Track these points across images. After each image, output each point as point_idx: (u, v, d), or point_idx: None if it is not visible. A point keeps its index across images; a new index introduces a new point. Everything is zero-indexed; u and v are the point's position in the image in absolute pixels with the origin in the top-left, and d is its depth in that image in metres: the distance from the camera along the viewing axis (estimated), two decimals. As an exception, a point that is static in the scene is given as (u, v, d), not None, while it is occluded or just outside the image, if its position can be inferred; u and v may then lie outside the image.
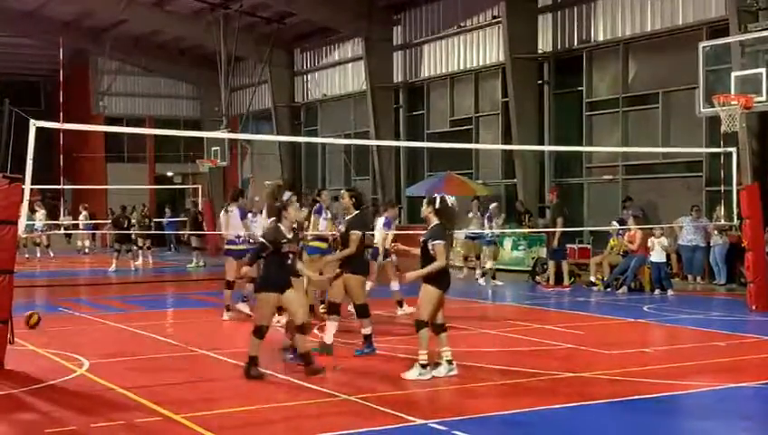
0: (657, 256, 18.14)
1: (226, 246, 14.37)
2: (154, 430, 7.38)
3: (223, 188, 39.49)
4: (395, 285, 14.48)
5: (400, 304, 14.39)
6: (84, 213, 33.22)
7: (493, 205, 21.04)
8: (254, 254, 9.83)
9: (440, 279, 9.31)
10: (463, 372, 9.58)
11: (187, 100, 44.04)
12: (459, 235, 21.07)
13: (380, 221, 14.76)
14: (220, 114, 34.63)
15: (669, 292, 17.76)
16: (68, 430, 7.41)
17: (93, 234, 35.05)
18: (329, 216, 13.69)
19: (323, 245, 13.39)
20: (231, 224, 14.29)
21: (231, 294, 14.20)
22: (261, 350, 9.42)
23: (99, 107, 42.45)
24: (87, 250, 32.56)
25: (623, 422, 7.72)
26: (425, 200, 9.71)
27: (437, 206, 9.45)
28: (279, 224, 9.56)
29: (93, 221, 35.00)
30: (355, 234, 10.63)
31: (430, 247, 9.23)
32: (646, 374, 9.57)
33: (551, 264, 19.87)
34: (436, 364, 9.38)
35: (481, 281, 20.22)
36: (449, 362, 9.39)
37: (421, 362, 9.21)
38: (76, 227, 33.31)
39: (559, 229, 19.37)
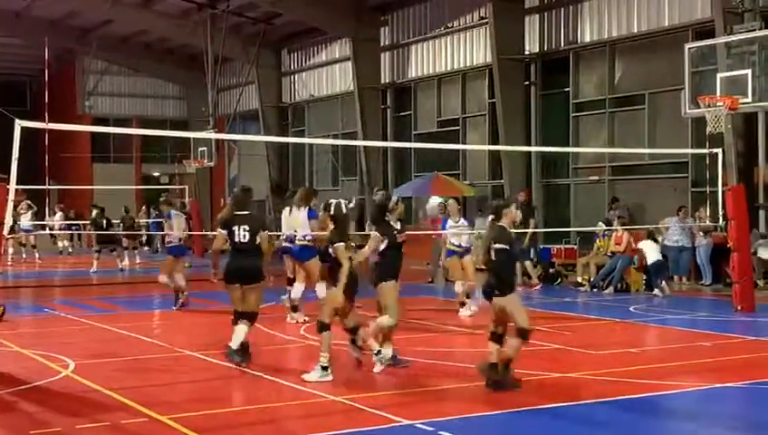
0: (653, 255, 18.06)
1: (287, 244, 13.95)
2: (140, 432, 7.34)
3: (210, 188, 39.47)
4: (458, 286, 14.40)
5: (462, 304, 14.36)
6: (60, 213, 32.76)
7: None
8: (509, 255, 8.95)
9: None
10: (451, 372, 9.57)
11: (173, 100, 43.95)
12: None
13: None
14: (207, 114, 34.59)
15: (656, 291, 17.78)
16: (53, 431, 7.37)
17: (79, 234, 34.81)
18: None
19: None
20: (300, 223, 13.95)
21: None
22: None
23: (85, 107, 42.31)
24: (71, 250, 32.33)
25: (609, 423, 7.74)
26: (322, 206, 9.83)
27: (332, 212, 9.48)
28: (501, 223, 8.99)
29: (76, 222, 34.74)
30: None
31: (331, 251, 9.29)
32: (632, 374, 9.59)
33: (527, 264, 19.91)
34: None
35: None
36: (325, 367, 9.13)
37: (322, 363, 9.07)
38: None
39: (530, 230, 19.42)
